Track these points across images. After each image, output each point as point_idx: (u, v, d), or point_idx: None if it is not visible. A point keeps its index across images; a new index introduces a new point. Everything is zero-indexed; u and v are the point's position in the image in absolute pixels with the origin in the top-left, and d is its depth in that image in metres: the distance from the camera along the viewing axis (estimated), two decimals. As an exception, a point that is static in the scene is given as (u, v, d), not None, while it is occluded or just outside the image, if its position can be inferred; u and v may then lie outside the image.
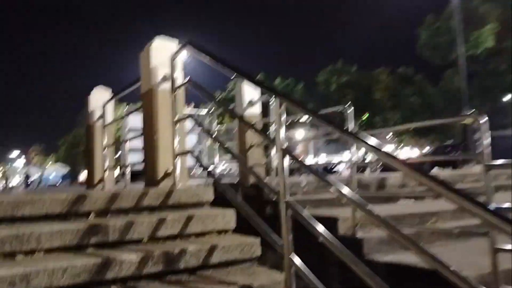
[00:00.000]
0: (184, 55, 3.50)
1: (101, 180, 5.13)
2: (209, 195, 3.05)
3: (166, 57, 3.44)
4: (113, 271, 2.15)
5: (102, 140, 5.11)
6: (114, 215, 2.69)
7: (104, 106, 5.11)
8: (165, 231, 2.59)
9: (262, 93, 4.42)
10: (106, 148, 5.08)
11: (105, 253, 2.26)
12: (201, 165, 2.97)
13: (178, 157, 3.33)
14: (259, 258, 2.57)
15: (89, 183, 5.31)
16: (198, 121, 3.45)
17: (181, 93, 3.45)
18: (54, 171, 47.53)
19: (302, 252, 2.19)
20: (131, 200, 2.78)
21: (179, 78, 3.42)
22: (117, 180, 6.31)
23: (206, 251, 2.43)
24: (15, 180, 54.90)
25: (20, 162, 71.99)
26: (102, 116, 5.15)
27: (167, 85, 3.44)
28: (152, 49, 3.48)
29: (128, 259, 2.21)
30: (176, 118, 3.35)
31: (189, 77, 3.38)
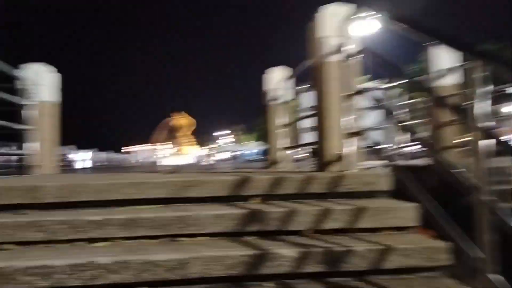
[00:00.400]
0: (357, 21, 3.06)
1: (279, 160, 5.10)
2: (386, 184, 2.58)
3: (337, 24, 3.05)
4: (269, 267, 1.93)
5: (279, 119, 5.05)
6: (277, 201, 2.48)
7: (279, 85, 5.03)
8: (330, 224, 2.25)
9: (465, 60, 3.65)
10: (283, 127, 5.00)
11: (262, 244, 2.06)
12: (376, 148, 2.53)
13: (349, 137, 2.94)
14: (448, 267, 2.02)
15: (268, 163, 5.34)
16: (374, 96, 2.96)
17: (353, 64, 3.02)
18: (253, 147, 52.09)
19: (509, 268, 1.60)
20: (295, 186, 2.54)
21: (351, 47, 2.99)
22: (299, 160, 6.26)
23: (377, 253, 2.01)
24: (222, 156, 62.45)
25: (226, 140, 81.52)
26: (278, 95, 5.08)
27: (336, 57, 3.05)
28: (320, 16, 3.13)
29: (286, 253, 1.96)
30: (346, 93, 2.96)
31: (359, 47, 2.92)
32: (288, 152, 5.04)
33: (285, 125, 4.98)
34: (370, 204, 2.38)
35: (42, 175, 4.42)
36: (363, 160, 3.07)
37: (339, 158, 3.03)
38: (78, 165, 26.18)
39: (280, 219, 2.22)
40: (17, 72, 4.38)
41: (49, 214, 2.17)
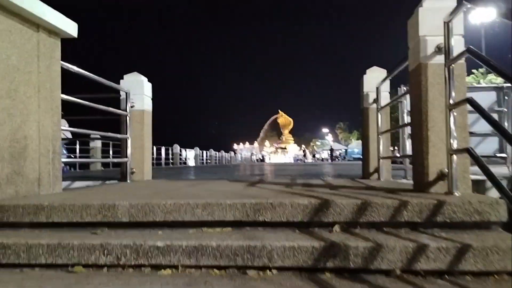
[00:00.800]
0: (462, 16, 2.59)
1: (376, 169, 4.66)
2: (500, 213, 2.10)
3: (439, 21, 2.60)
4: (345, 316, 1.63)
5: (376, 124, 4.61)
6: (361, 230, 2.15)
7: (378, 88, 4.59)
8: (426, 264, 1.87)
9: None
10: (381, 134, 4.56)
11: (340, 286, 1.77)
12: (485, 169, 2.05)
13: (454, 153, 2.48)
14: None
15: (364, 172, 4.92)
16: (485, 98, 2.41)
17: (459, 67, 2.55)
18: (354, 146, 50.51)
19: None
20: (384, 212, 2.18)
21: (457, 47, 2.52)
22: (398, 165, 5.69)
23: (485, 308, 1.59)
24: (322, 154, 61.70)
25: (328, 138, 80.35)
26: (376, 98, 4.65)
27: (439, 58, 2.61)
28: (421, 12, 2.70)
29: (368, 301, 1.64)
30: (451, 102, 2.50)
31: (464, 46, 2.43)
32: (386, 160, 4.58)
33: (383, 132, 4.53)
34: (477, 239, 1.95)
35: (135, 182, 4.57)
36: (468, 180, 2.58)
37: (441, 177, 2.59)
38: (190, 163, 27.71)
39: (363, 255, 1.90)
40: (116, 84, 4.58)
41: (117, 235, 2.12)
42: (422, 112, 2.68)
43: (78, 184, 4.38)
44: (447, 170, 2.54)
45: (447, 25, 2.56)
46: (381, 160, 4.57)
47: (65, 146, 12.26)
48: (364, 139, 4.93)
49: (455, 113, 2.51)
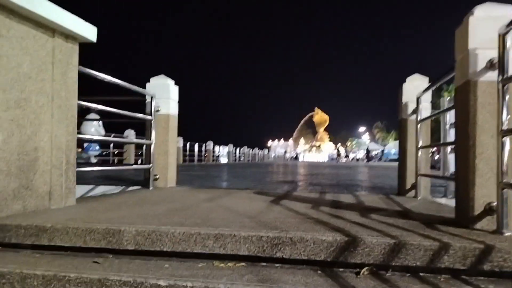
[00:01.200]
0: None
1: (413, 186, 4.31)
2: (562, 266, 1.77)
3: (493, 33, 2.26)
4: None
5: (416, 138, 4.25)
6: (393, 275, 1.87)
7: (418, 98, 4.23)
8: (469, 326, 1.57)
9: None
10: (420, 148, 4.20)
11: None
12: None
13: (506, 187, 2.15)
14: None
15: (400, 188, 4.57)
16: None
17: (515, 87, 2.20)
18: (392, 147, 49.13)
19: None
20: (421, 256, 1.88)
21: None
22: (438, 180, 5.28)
23: None
24: (359, 154, 60.58)
25: (365, 138, 78.84)
26: (415, 109, 4.28)
27: (491, 75, 2.27)
28: (471, 22, 2.37)
29: None
30: (505, 126, 2.16)
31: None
32: (425, 179, 4.22)
33: (422, 147, 4.17)
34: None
35: (156, 190, 4.42)
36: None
37: (489, 211, 2.25)
38: (222, 160, 27.87)
39: (393, 311, 1.62)
40: (141, 88, 4.44)
41: (120, 267, 1.92)
42: (469, 136, 2.35)
43: (98, 190, 4.29)
44: (496, 204, 2.21)
45: (502, 38, 2.21)
46: (418, 176, 4.22)
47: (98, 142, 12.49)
48: (402, 153, 4.57)
49: (508, 140, 2.17)
